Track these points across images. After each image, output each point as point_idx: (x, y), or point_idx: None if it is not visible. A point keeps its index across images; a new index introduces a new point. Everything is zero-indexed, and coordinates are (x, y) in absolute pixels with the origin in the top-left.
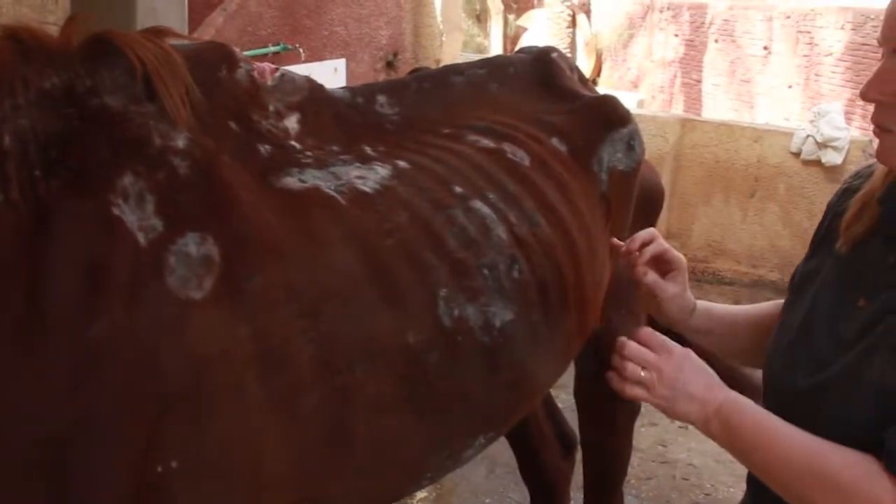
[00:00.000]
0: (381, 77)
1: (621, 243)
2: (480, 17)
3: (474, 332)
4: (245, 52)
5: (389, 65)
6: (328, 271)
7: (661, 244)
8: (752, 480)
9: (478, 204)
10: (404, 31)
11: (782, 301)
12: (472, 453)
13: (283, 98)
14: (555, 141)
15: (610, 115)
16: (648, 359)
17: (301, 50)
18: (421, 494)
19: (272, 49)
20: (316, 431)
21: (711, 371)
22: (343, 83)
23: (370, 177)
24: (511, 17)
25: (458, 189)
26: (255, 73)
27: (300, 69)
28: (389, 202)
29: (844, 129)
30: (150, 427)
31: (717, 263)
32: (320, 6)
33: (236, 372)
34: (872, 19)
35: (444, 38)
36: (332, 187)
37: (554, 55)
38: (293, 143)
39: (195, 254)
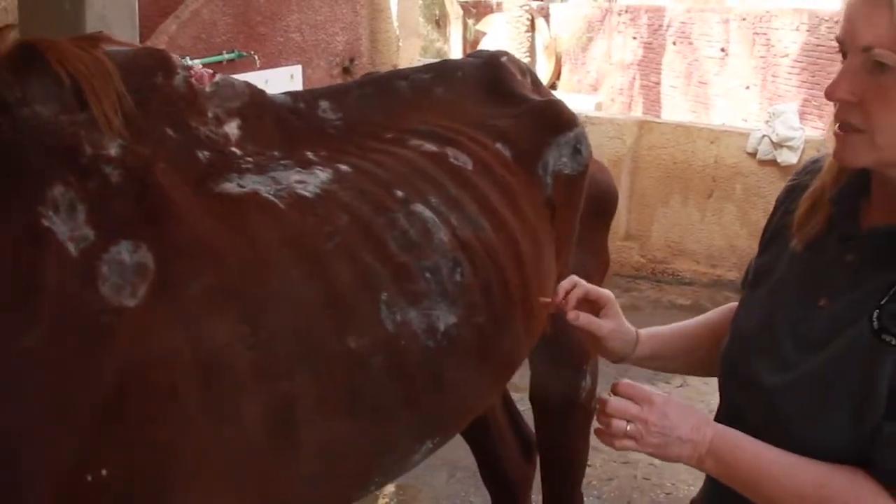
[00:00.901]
0: (338, 83)
1: (547, 300)
2: (440, 22)
3: (418, 335)
4: (199, 60)
5: (346, 71)
6: (267, 276)
7: (583, 286)
8: (709, 478)
9: (419, 207)
10: (361, 37)
11: (735, 304)
12: (419, 457)
13: (223, 104)
14: (499, 145)
15: (555, 119)
16: (632, 412)
17: (256, 57)
18: (383, 501)
19: (227, 56)
20: (258, 438)
21: (696, 409)
22: (299, 89)
23: (310, 181)
24: (470, 21)
25: (399, 193)
26: (193, 79)
27: (256, 76)
28: (329, 206)
29: (799, 129)
30: (81, 436)
31: (676, 264)
32: (275, 13)
33: (173, 379)
34: (826, 21)
35: (400, 44)
36: (272, 192)
37: (503, 59)
38: (233, 148)
39: (128, 261)
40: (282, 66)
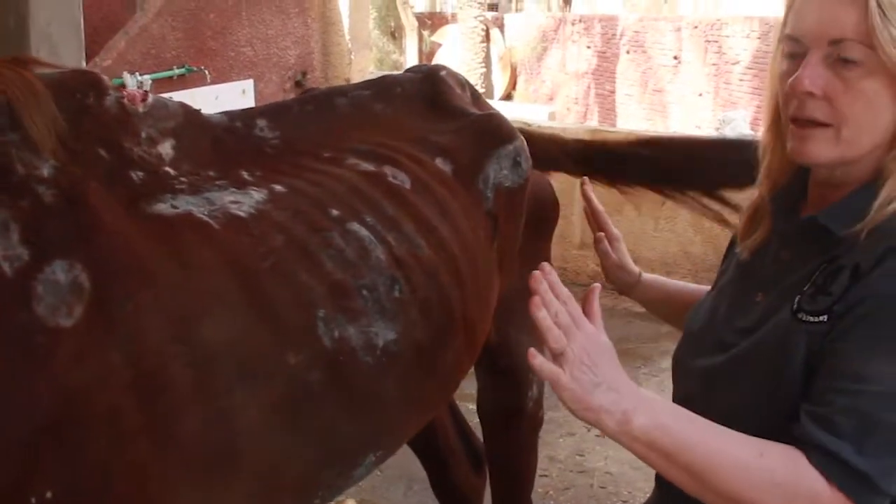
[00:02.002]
0: (291, 96)
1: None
2: (395, 34)
3: (356, 351)
4: (150, 76)
5: (298, 84)
6: (202, 295)
7: (607, 219)
8: (660, 478)
9: (355, 226)
10: (313, 51)
11: None
12: (363, 471)
13: (156, 124)
14: (439, 161)
15: (495, 133)
16: (570, 331)
17: (207, 72)
18: None
19: (177, 71)
20: (199, 455)
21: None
22: (251, 104)
23: (245, 201)
24: (426, 33)
25: (334, 212)
26: (126, 100)
27: (207, 91)
28: (264, 226)
29: (749, 135)
30: (22, 458)
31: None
32: (226, 27)
33: (111, 399)
34: (777, 28)
35: (353, 57)
36: (206, 212)
37: (443, 73)
38: (167, 169)
39: (63, 281)
40: (233, 80)
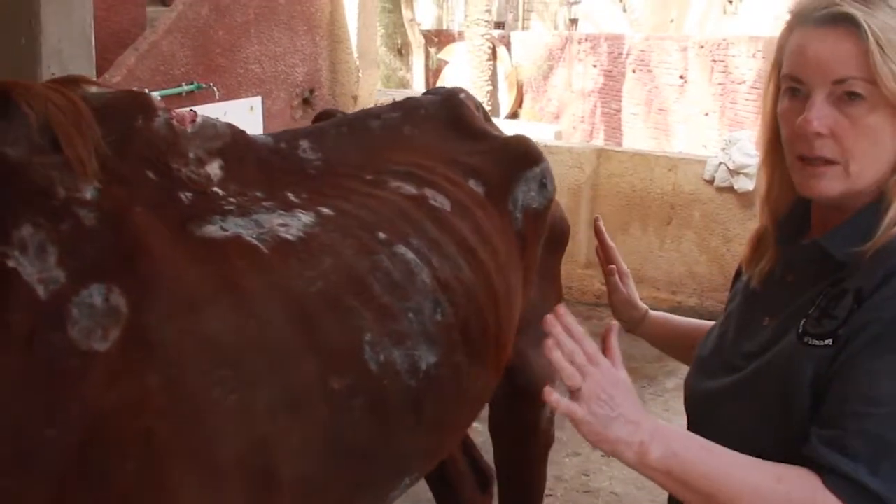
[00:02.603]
0: (298, 114)
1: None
2: (402, 52)
3: (400, 375)
4: (158, 92)
5: (306, 102)
6: (248, 320)
7: (618, 255)
8: (673, 500)
9: (402, 249)
10: (321, 68)
11: None
12: (397, 494)
13: (204, 144)
14: (472, 183)
15: (524, 155)
16: (586, 369)
17: (216, 88)
18: None
19: (186, 88)
20: (237, 481)
21: (636, 395)
22: (259, 121)
23: (293, 224)
24: (433, 50)
25: (382, 235)
26: (175, 121)
27: (215, 108)
28: (312, 249)
29: (755, 155)
30: (49, 484)
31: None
32: (234, 44)
33: (146, 423)
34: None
35: (360, 74)
36: (255, 235)
37: (462, 96)
38: (216, 189)
39: (100, 304)
40: (241, 97)
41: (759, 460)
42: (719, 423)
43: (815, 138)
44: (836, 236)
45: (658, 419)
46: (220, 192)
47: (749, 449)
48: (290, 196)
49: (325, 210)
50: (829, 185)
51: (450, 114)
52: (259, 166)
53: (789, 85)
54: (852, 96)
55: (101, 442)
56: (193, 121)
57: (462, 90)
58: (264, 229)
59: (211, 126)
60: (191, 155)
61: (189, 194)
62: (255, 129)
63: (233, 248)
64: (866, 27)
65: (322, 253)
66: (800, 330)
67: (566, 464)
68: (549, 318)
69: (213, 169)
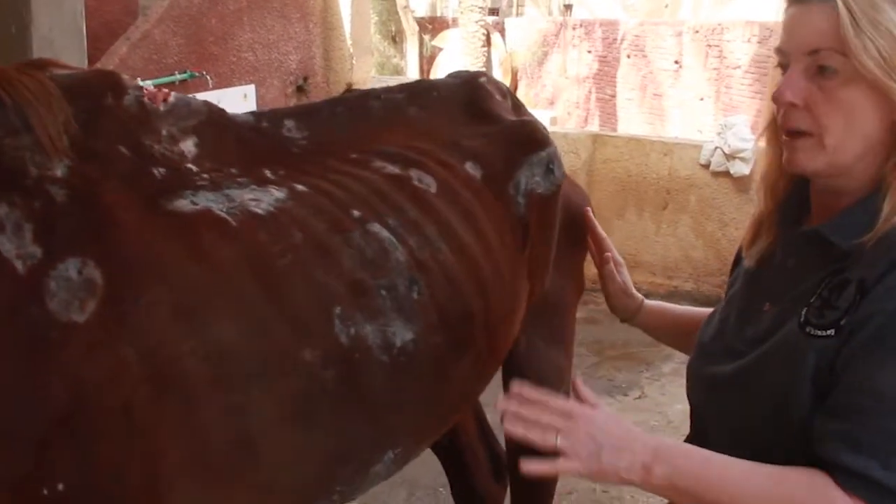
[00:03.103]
0: (293, 102)
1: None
2: (396, 39)
3: (372, 349)
4: (151, 81)
5: (300, 89)
6: (218, 290)
7: (612, 247)
8: None
9: (376, 227)
10: (314, 56)
11: None
12: (381, 468)
13: (178, 122)
14: (468, 166)
15: (529, 138)
16: (556, 423)
17: (209, 77)
18: None
19: (179, 77)
20: (213, 450)
21: (622, 419)
22: (253, 108)
23: (264, 199)
24: (426, 37)
25: (356, 213)
26: (146, 99)
27: (209, 96)
28: (283, 224)
29: (751, 140)
30: (34, 451)
31: (632, 276)
32: (227, 33)
33: (124, 393)
34: (777, 32)
35: (354, 62)
36: (224, 209)
37: (482, 80)
38: (189, 165)
39: (76, 278)
40: (235, 85)
41: (762, 465)
42: (720, 409)
43: (790, 109)
44: (838, 224)
45: (655, 435)
46: (194, 168)
47: (749, 437)
48: (267, 173)
49: (299, 186)
50: (807, 157)
51: (464, 97)
52: (237, 144)
53: (777, 60)
54: (826, 69)
55: (84, 413)
56: (166, 100)
57: (483, 74)
58: (234, 203)
59: (185, 104)
60: (163, 132)
61: (161, 170)
62: None
63: (202, 220)
64: (839, 0)
65: (292, 227)
66: (801, 319)
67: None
68: (498, 405)
69: (188, 146)
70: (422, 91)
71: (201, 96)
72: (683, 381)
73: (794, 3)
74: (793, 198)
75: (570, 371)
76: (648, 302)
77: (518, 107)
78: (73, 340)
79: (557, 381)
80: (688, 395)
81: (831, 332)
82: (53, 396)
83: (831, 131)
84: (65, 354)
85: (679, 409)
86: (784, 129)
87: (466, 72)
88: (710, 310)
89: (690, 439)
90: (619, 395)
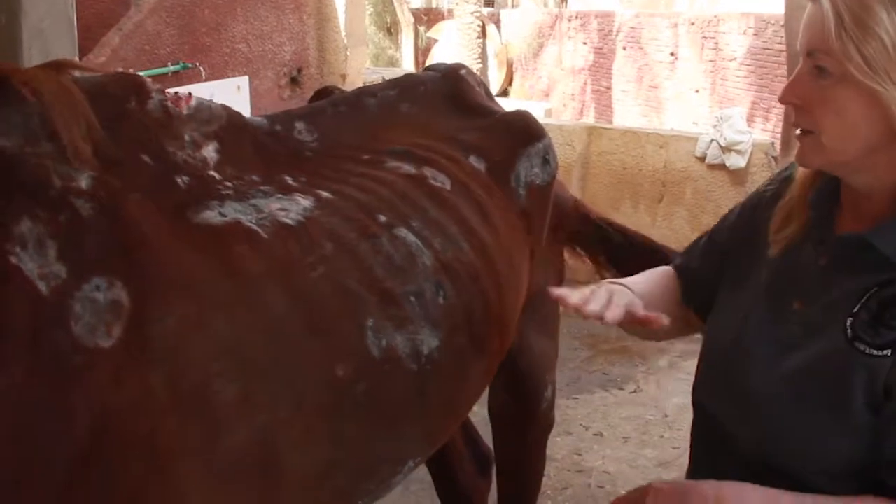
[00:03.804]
0: (286, 93)
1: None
2: (391, 30)
3: (402, 360)
4: (144, 72)
5: (294, 81)
6: (249, 308)
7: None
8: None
9: (402, 231)
10: (308, 47)
11: (666, 268)
12: (400, 478)
13: (200, 127)
14: (472, 159)
15: (525, 130)
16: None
17: (202, 68)
18: None
19: (172, 68)
20: (241, 471)
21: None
22: (247, 101)
23: (292, 208)
24: (422, 28)
25: (382, 217)
26: (169, 103)
27: (202, 87)
28: (313, 234)
29: (747, 132)
30: (55, 487)
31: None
32: (220, 23)
33: (151, 420)
34: (773, 24)
35: (348, 53)
36: (254, 220)
37: (462, 72)
38: (212, 172)
39: (102, 299)
40: (228, 77)
41: (834, 498)
42: (761, 424)
43: (795, 107)
44: (886, 233)
45: (726, 482)
46: (217, 175)
47: (795, 453)
48: (288, 179)
49: (324, 193)
50: (809, 155)
51: (450, 90)
52: (255, 149)
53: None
54: (821, 69)
55: (108, 443)
56: (188, 102)
57: (463, 66)
58: (263, 214)
59: (206, 108)
60: (186, 138)
61: (185, 178)
62: (242, 109)
63: (232, 233)
64: (827, 2)
65: (323, 237)
66: (848, 333)
67: (558, 443)
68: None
69: (209, 152)
70: (410, 86)
71: (194, 88)
72: (679, 375)
73: (809, 1)
74: (824, 191)
75: (556, 360)
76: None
77: (490, 96)
78: (98, 368)
79: (546, 369)
80: (702, 400)
81: (888, 352)
82: (77, 426)
83: (826, 131)
84: (89, 383)
85: (675, 403)
86: (795, 126)
87: (444, 65)
88: (659, 270)
89: (702, 441)
90: (615, 389)
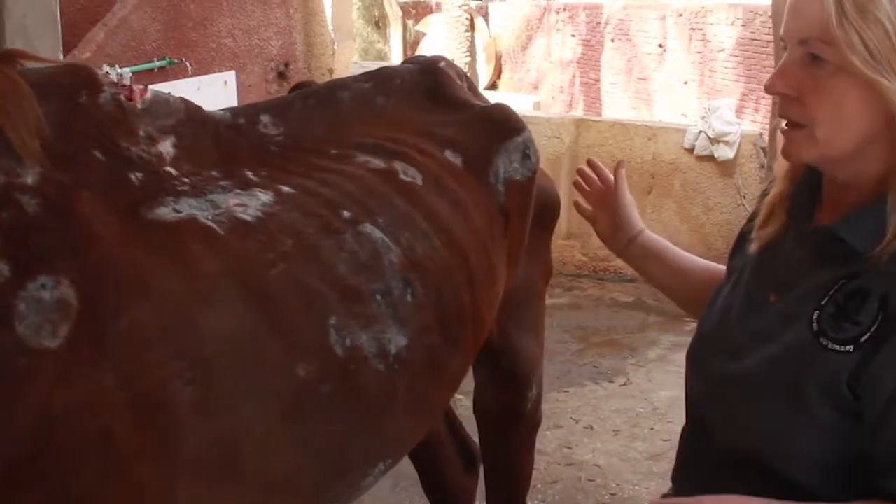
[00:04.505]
0: (274, 88)
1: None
2: (379, 24)
3: (368, 359)
4: (130, 68)
5: (281, 76)
6: (206, 307)
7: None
8: (676, 479)
9: (368, 228)
10: (295, 41)
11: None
12: (372, 480)
13: (156, 121)
14: (448, 153)
15: (504, 124)
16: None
17: (188, 63)
18: None
19: (158, 64)
20: (202, 475)
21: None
22: (234, 95)
23: (251, 204)
24: (410, 22)
25: (346, 213)
26: (123, 96)
27: (188, 83)
28: (272, 230)
29: (735, 123)
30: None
31: (618, 261)
32: (206, 18)
33: (103, 423)
34: (761, 15)
35: (336, 47)
36: (210, 217)
37: (441, 64)
38: (168, 168)
39: (48, 298)
40: (215, 72)
41: None
42: (728, 410)
43: (783, 99)
44: (853, 226)
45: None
46: (174, 171)
47: (758, 439)
48: (249, 174)
49: (286, 188)
50: (800, 149)
51: (428, 83)
52: (216, 143)
53: (782, 47)
54: (815, 58)
55: (56, 444)
56: (143, 96)
57: (442, 58)
58: (220, 210)
59: (163, 102)
60: (141, 133)
61: (139, 175)
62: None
63: (187, 230)
64: None
65: (282, 233)
66: (814, 327)
67: (547, 437)
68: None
69: (166, 147)
70: (386, 79)
71: (181, 83)
72: (669, 367)
73: None
74: (805, 184)
75: (542, 358)
76: (649, 233)
77: (474, 89)
78: (43, 369)
79: (531, 368)
80: (687, 383)
81: (850, 348)
82: (20, 433)
83: (821, 123)
84: (34, 385)
85: (665, 395)
86: (782, 118)
87: (424, 57)
88: (716, 265)
89: (688, 434)
90: (605, 382)
